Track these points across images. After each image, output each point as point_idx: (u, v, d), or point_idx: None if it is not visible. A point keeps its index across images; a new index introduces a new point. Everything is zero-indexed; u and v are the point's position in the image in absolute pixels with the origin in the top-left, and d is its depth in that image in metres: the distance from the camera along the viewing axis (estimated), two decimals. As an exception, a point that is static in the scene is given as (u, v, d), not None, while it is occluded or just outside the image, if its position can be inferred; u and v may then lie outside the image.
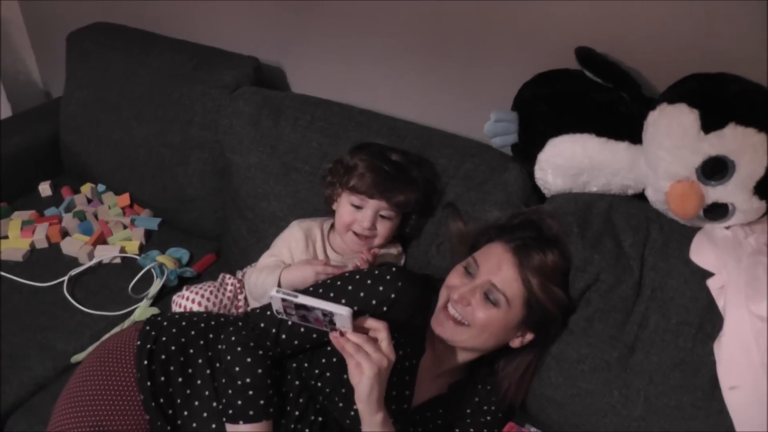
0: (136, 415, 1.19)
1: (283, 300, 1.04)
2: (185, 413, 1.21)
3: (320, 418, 1.21)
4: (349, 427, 1.18)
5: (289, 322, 1.15)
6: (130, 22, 2.12)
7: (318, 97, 1.70)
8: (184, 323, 1.29)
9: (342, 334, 1.06)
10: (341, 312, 1.01)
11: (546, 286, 1.19)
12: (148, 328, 1.28)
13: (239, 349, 1.15)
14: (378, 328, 1.07)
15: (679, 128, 1.16)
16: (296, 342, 1.18)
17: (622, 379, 1.24)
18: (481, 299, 1.18)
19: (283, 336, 1.17)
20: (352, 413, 1.15)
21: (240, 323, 1.20)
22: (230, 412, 1.12)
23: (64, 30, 2.15)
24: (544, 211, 1.31)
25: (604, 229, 1.28)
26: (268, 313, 1.17)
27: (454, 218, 1.39)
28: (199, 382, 1.22)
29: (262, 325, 1.18)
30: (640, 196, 1.33)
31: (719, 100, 1.16)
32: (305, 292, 1.18)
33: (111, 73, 1.99)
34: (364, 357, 1.04)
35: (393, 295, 1.15)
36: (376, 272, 1.18)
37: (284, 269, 1.37)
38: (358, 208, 1.38)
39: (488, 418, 1.29)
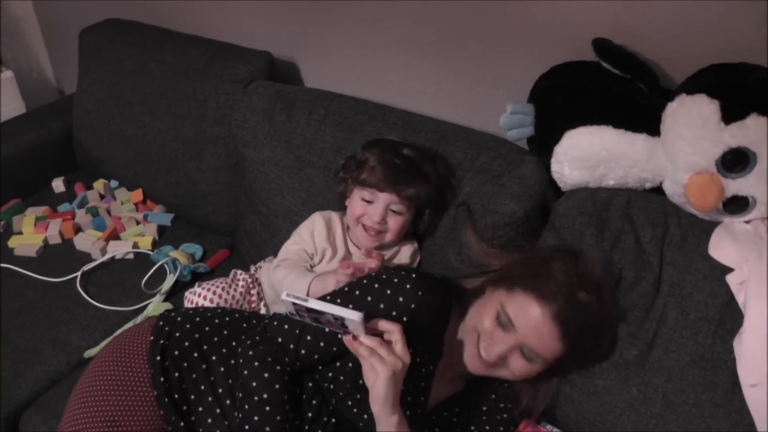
0: (150, 410, 1.19)
1: (294, 304, 1.03)
2: (200, 409, 1.21)
3: (333, 420, 1.20)
4: (362, 429, 1.17)
5: (308, 338, 1.14)
6: (142, 19, 2.13)
7: (332, 92, 1.70)
8: (198, 319, 1.29)
9: (355, 337, 1.05)
10: (352, 317, 1.00)
11: (591, 341, 1.17)
12: (161, 323, 1.27)
13: (257, 364, 1.14)
14: (392, 330, 1.06)
15: (699, 118, 1.15)
16: (316, 357, 1.16)
17: (640, 377, 1.23)
18: (518, 354, 1.15)
19: (303, 351, 1.16)
20: (366, 416, 1.15)
21: (258, 337, 1.19)
22: (246, 427, 1.11)
23: (76, 27, 2.16)
24: (560, 215, 1.30)
25: (623, 226, 1.26)
26: (286, 327, 1.17)
27: (468, 223, 1.37)
28: (213, 378, 1.22)
29: (280, 340, 1.16)
30: (657, 190, 1.31)
31: (740, 90, 1.14)
32: (320, 297, 1.18)
33: (123, 69, 1.99)
34: (378, 360, 1.03)
35: (413, 305, 1.13)
36: (396, 280, 1.15)
37: (314, 279, 1.35)
38: (368, 202, 1.38)
39: (504, 415, 1.28)
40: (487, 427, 1.27)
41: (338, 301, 1.17)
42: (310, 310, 1.03)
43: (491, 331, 1.16)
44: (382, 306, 1.13)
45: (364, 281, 1.18)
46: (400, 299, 1.13)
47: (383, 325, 1.06)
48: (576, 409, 1.30)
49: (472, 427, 1.27)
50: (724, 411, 1.16)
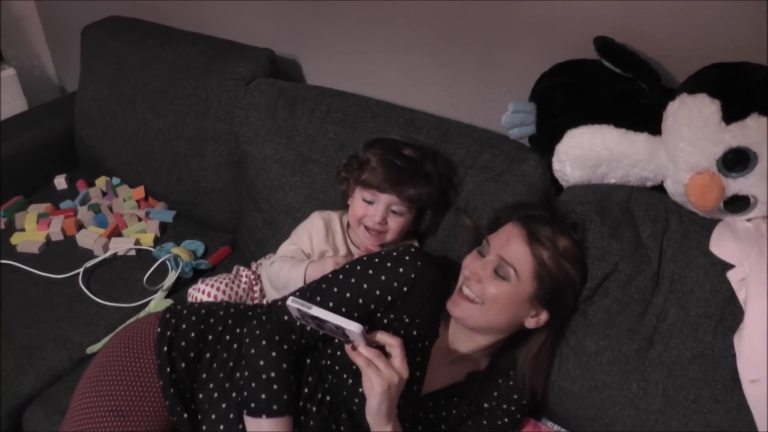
0: (156, 400, 1.20)
1: (299, 309, 1.05)
2: (201, 396, 1.22)
3: (328, 398, 1.21)
4: (357, 406, 1.18)
5: (308, 327, 1.15)
6: (143, 16, 2.13)
7: (334, 89, 1.70)
8: (203, 311, 1.30)
9: (354, 347, 1.06)
10: (351, 328, 1.01)
11: (556, 258, 1.18)
12: (168, 315, 1.28)
13: (264, 342, 1.15)
14: (392, 344, 1.07)
15: (700, 118, 1.15)
16: (321, 333, 1.17)
17: (641, 372, 1.23)
18: (491, 274, 1.18)
19: (308, 329, 1.17)
20: (361, 391, 1.14)
21: (264, 317, 1.20)
22: (252, 405, 1.12)
23: (78, 24, 2.16)
24: (562, 203, 1.32)
25: (623, 218, 1.27)
26: None
27: (466, 220, 1.39)
28: (215, 365, 1.23)
29: (286, 318, 1.17)
30: (659, 189, 1.31)
31: (741, 89, 1.15)
32: (323, 291, 1.19)
33: (125, 67, 2.00)
34: (375, 372, 1.04)
35: (413, 275, 1.15)
36: (395, 254, 1.18)
37: (309, 264, 1.37)
38: (369, 203, 1.38)
39: (506, 420, 1.27)
40: (487, 430, 1.26)
41: (340, 277, 1.18)
42: (313, 318, 1.04)
43: (470, 262, 1.22)
44: (383, 278, 1.15)
45: (365, 258, 1.20)
46: (400, 270, 1.15)
47: (384, 338, 1.07)
48: (576, 404, 1.30)
49: (470, 422, 1.26)
50: (724, 407, 1.17)
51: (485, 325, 1.23)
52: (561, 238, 1.20)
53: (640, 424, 1.23)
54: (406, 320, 1.18)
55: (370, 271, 1.16)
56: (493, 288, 1.18)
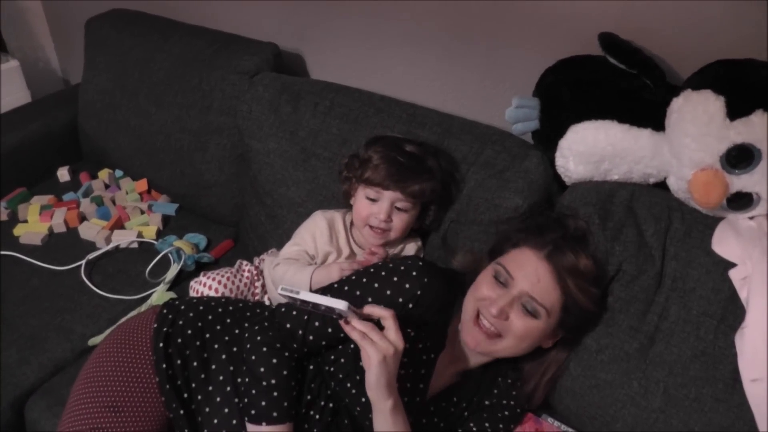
0: (152, 396, 1.20)
1: (289, 297, 1.05)
2: (199, 397, 1.22)
3: (331, 404, 1.20)
4: (359, 414, 1.18)
5: (315, 323, 1.15)
6: (148, 9, 2.13)
7: (338, 84, 1.70)
8: (201, 308, 1.30)
9: (348, 322, 1.06)
10: (339, 306, 1.01)
11: (583, 287, 1.17)
12: (165, 311, 1.28)
13: (265, 349, 1.15)
14: (384, 316, 1.06)
15: (704, 115, 1.15)
16: (324, 343, 1.17)
17: (642, 370, 1.23)
18: (519, 311, 1.16)
19: (311, 337, 1.16)
20: (364, 399, 1.15)
21: (266, 323, 1.19)
22: (253, 412, 1.12)
23: (82, 17, 2.16)
24: (563, 209, 1.31)
25: (626, 219, 1.27)
26: (295, 313, 1.17)
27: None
28: (214, 366, 1.23)
29: (288, 326, 1.17)
30: (662, 185, 1.31)
31: (746, 86, 1.14)
32: (324, 288, 1.19)
33: (129, 59, 1.99)
34: (370, 344, 1.04)
35: (419, 292, 1.14)
36: (402, 268, 1.17)
37: (315, 270, 1.36)
38: (373, 200, 1.38)
39: (506, 413, 1.28)
40: (487, 424, 1.26)
41: (345, 288, 1.18)
42: (305, 302, 1.04)
43: (491, 295, 1.18)
44: (388, 292, 1.14)
45: (371, 270, 1.20)
46: (407, 286, 1.14)
47: (376, 311, 1.07)
48: (577, 402, 1.30)
49: (471, 425, 1.26)
50: (724, 406, 1.16)
51: (507, 356, 1.23)
52: (581, 258, 1.19)
53: (640, 423, 1.23)
54: (411, 334, 1.17)
55: (376, 285, 1.16)
56: (522, 325, 1.16)
